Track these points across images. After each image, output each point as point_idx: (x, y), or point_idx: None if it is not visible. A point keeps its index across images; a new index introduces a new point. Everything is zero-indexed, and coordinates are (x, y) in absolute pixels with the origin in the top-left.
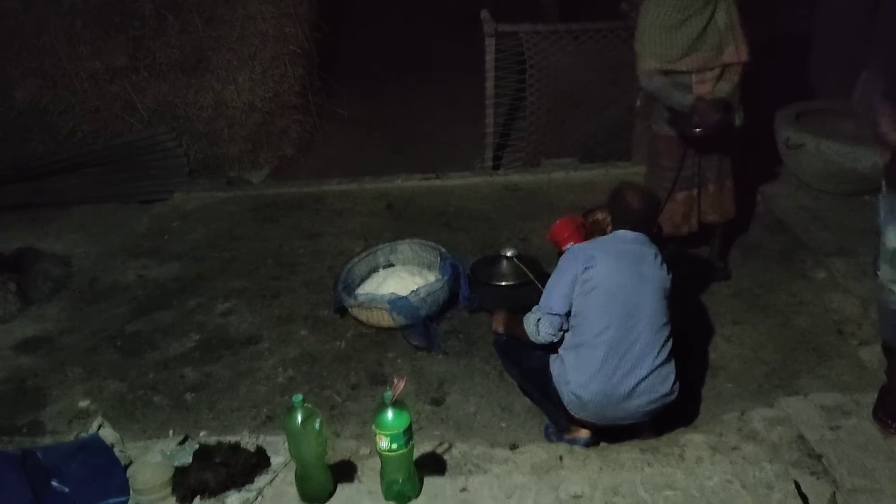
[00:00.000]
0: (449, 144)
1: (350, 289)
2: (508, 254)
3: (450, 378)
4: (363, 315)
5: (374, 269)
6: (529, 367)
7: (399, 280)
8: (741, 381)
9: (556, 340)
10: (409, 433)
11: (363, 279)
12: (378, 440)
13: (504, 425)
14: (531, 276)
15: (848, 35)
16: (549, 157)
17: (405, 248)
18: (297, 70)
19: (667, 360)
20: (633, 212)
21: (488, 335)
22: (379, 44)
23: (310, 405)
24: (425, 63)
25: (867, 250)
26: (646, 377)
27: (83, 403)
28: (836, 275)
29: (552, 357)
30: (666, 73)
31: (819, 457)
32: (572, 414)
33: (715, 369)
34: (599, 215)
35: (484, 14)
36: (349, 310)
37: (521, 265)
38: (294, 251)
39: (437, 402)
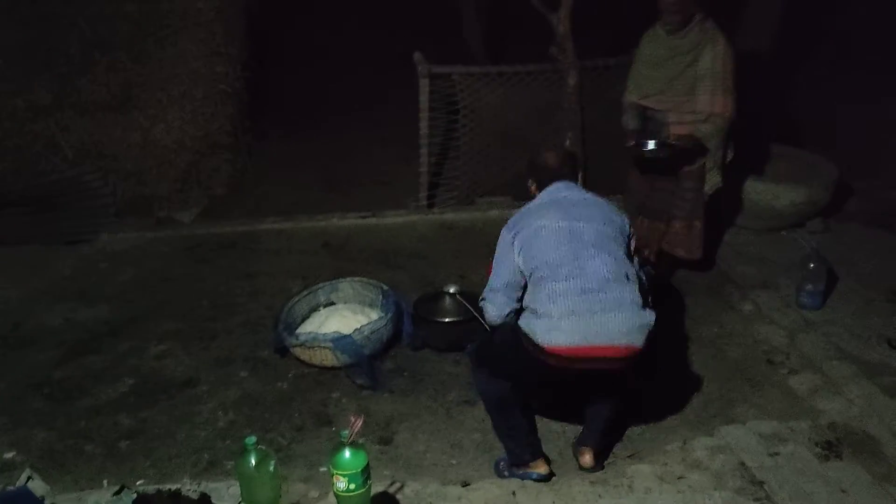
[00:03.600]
0: (383, 183)
1: (291, 328)
2: (451, 290)
3: (397, 416)
4: (305, 355)
5: (315, 308)
6: (498, 344)
7: (341, 318)
8: (681, 412)
9: (506, 314)
10: (367, 472)
11: (304, 318)
12: (335, 481)
13: (454, 462)
14: (474, 311)
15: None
16: (483, 195)
17: (346, 286)
18: (227, 109)
19: (636, 285)
20: (551, 168)
21: (433, 373)
22: (312, 84)
23: (263, 447)
24: (358, 103)
25: (789, 283)
26: (615, 296)
27: (9, 455)
28: (762, 307)
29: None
30: (645, 108)
31: (761, 483)
32: (548, 348)
33: (655, 400)
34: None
35: (417, 56)
36: (290, 350)
37: (463, 301)
38: (230, 291)
39: (386, 441)
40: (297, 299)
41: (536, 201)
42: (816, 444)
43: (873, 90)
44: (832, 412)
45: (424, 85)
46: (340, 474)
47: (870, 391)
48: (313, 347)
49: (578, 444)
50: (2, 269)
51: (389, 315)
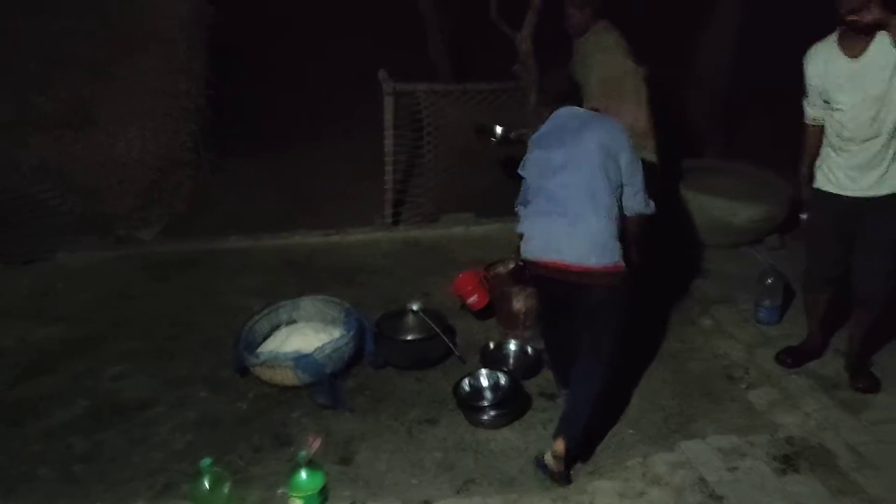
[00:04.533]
0: (348, 200)
1: (252, 347)
2: (414, 308)
3: (358, 436)
4: (266, 374)
5: (277, 327)
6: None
7: (303, 337)
8: (641, 427)
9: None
10: (324, 494)
11: (265, 337)
12: (291, 503)
13: (415, 482)
14: (437, 329)
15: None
16: (448, 212)
17: (308, 304)
18: (190, 126)
19: (604, 212)
20: (557, 92)
21: (395, 391)
22: (278, 100)
23: (218, 469)
24: (325, 119)
25: (747, 298)
26: (576, 215)
27: None
28: (721, 322)
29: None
30: None
31: (720, 498)
32: (528, 258)
33: (615, 415)
34: (501, 268)
35: (382, 74)
36: (251, 369)
37: (427, 319)
38: (190, 310)
39: (346, 461)
40: (258, 318)
41: (543, 127)
42: (774, 459)
43: None
44: (790, 426)
45: (389, 103)
46: (297, 496)
47: (826, 405)
48: (274, 367)
49: (554, 435)
50: None
51: (351, 333)
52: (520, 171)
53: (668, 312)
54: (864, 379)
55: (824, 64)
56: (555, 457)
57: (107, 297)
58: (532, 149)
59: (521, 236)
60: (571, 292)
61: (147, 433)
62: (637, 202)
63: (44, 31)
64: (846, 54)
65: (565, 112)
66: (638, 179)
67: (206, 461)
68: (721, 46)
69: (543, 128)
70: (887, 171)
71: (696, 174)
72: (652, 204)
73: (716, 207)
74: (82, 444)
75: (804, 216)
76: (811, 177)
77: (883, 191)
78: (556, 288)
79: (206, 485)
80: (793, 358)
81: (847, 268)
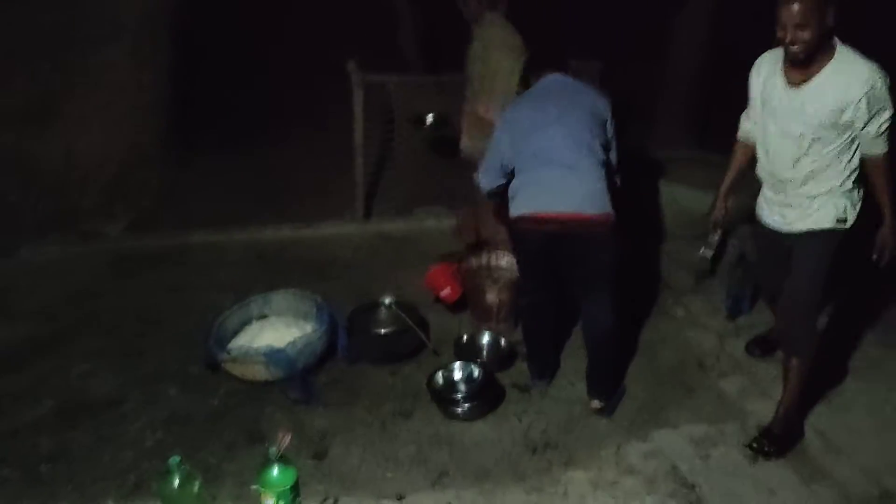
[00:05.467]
0: (320, 194)
1: (222, 343)
2: (387, 301)
3: (331, 431)
4: (237, 370)
5: (248, 322)
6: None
7: (274, 332)
8: (615, 417)
9: (495, 186)
10: (296, 490)
11: (236, 332)
12: (264, 499)
13: (389, 475)
14: (410, 322)
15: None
16: (421, 205)
17: (279, 298)
18: (157, 120)
19: (598, 163)
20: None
21: (368, 385)
22: (249, 94)
23: (187, 467)
24: (296, 113)
25: (719, 288)
26: (577, 164)
27: None
28: (694, 312)
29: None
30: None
31: (693, 486)
32: (523, 213)
33: (588, 405)
34: (473, 262)
35: (351, 65)
36: (222, 365)
37: (400, 312)
38: (158, 306)
39: (319, 456)
40: (228, 313)
41: (529, 91)
42: (745, 446)
43: None
44: (759, 413)
45: (359, 95)
46: (269, 492)
47: None
48: (245, 362)
49: (589, 396)
50: None
51: (324, 328)
52: (497, 132)
53: (641, 303)
54: (774, 442)
55: (763, 82)
56: (595, 409)
57: (72, 295)
58: (518, 107)
59: (494, 198)
60: (567, 244)
61: (116, 431)
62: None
63: (3, 22)
64: (787, 79)
65: (553, 76)
66: (615, 154)
67: (175, 459)
68: (695, 34)
69: (532, 89)
70: (811, 208)
71: (670, 165)
72: (618, 179)
73: (687, 198)
74: (49, 443)
75: (705, 252)
76: (725, 201)
77: (806, 226)
78: (549, 243)
79: (175, 483)
80: (761, 347)
81: None
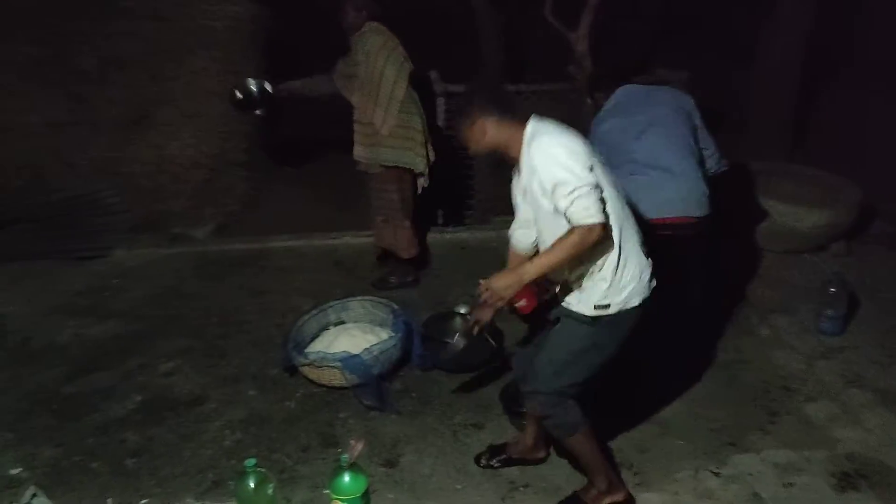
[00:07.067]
0: None
1: (300, 347)
2: (462, 310)
3: (403, 438)
4: (314, 374)
5: (325, 327)
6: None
7: (351, 338)
8: (692, 438)
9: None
10: (366, 497)
11: (313, 337)
12: None
13: (459, 487)
14: (485, 332)
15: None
16: (498, 214)
17: (356, 305)
18: (243, 126)
19: (699, 164)
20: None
21: (441, 394)
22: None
23: (262, 469)
24: None
25: (809, 307)
26: (683, 168)
27: (14, 471)
28: (780, 332)
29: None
30: None
31: None
32: (660, 218)
33: (665, 426)
34: None
35: (433, 75)
36: (299, 369)
37: None
38: (240, 309)
39: (391, 463)
40: (306, 318)
41: (606, 106)
42: (832, 475)
43: None
44: (850, 442)
45: (440, 104)
46: (339, 499)
47: (889, 420)
48: (322, 367)
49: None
50: (14, 285)
51: (399, 335)
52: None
53: (723, 320)
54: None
55: None
56: None
57: (159, 295)
58: (601, 123)
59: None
60: (669, 245)
61: (197, 429)
62: (715, 161)
63: (100, 32)
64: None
65: (628, 87)
66: (711, 140)
67: (251, 461)
68: (787, 42)
69: (611, 102)
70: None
71: (759, 177)
72: (725, 161)
73: (779, 212)
74: (135, 438)
75: (457, 342)
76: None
77: None
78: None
79: (252, 485)
80: None
81: None
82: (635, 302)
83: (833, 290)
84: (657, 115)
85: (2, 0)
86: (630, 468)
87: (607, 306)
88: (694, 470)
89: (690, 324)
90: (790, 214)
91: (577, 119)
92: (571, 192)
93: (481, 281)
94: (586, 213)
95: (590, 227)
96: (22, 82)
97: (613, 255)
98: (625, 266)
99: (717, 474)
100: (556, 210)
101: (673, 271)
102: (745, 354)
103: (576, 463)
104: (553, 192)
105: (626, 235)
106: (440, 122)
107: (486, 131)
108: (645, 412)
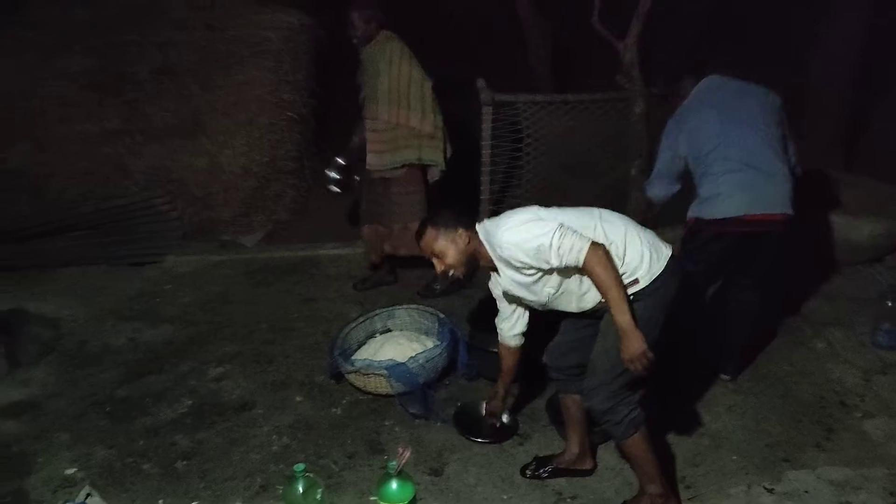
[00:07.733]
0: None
1: (347, 354)
2: None
3: (449, 447)
4: (360, 381)
5: (371, 335)
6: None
7: (397, 346)
8: (745, 453)
9: (670, 192)
10: None
11: (360, 345)
12: None
13: (505, 497)
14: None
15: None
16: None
17: (403, 313)
18: (293, 136)
19: (787, 161)
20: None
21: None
22: None
23: (311, 475)
24: None
25: (865, 321)
26: (770, 169)
27: (69, 471)
28: (836, 345)
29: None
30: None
31: None
32: (733, 215)
33: (718, 440)
34: None
35: (480, 83)
36: (346, 376)
37: None
38: (288, 316)
39: (437, 472)
40: (353, 325)
41: (694, 96)
42: (892, 494)
43: None
44: None
45: (487, 113)
46: None
47: None
48: (368, 374)
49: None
50: (71, 289)
51: (445, 344)
52: (669, 139)
53: (776, 333)
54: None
55: None
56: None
57: (210, 301)
58: (693, 112)
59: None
60: (754, 241)
61: (246, 434)
62: (792, 164)
63: (153, 42)
64: None
65: (711, 78)
66: (793, 143)
67: (300, 466)
68: (844, 50)
69: (698, 93)
70: None
71: (813, 187)
72: (800, 168)
73: (833, 222)
74: (185, 441)
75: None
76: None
77: None
78: (740, 242)
79: (300, 490)
80: None
81: None
82: (657, 269)
83: (890, 303)
84: (752, 112)
85: (59, 15)
86: (682, 482)
87: (636, 282)
88: (747, 486)
89: (747, 328)
90: (845, 224)
91: (625, 129)
92: (551, 246)
93: (623, 358)
94: (578, 247)
95: (592, 253)
96: (80, 93)
97: (618, 247)
98: (631, 244)
99: (770, 491)
100: (565, 269)
101: (745, 269)
102: (799, 368)
103: (628, 470)
104: (547, 260)
105: (611, 226)
106: (484, 133)
107: (437, 242)
108: (697, 425)
